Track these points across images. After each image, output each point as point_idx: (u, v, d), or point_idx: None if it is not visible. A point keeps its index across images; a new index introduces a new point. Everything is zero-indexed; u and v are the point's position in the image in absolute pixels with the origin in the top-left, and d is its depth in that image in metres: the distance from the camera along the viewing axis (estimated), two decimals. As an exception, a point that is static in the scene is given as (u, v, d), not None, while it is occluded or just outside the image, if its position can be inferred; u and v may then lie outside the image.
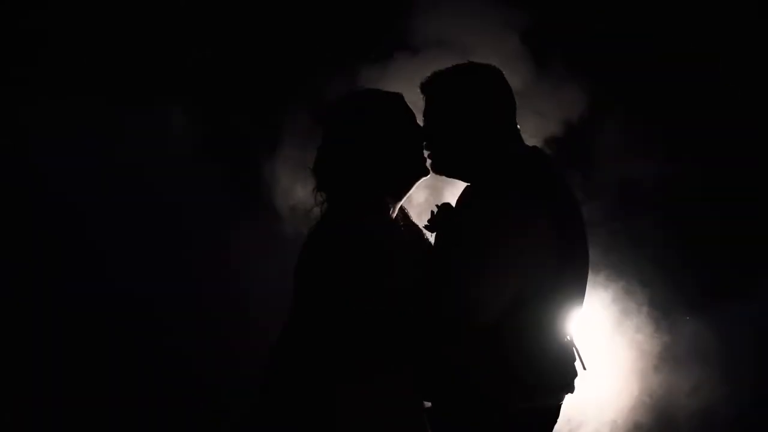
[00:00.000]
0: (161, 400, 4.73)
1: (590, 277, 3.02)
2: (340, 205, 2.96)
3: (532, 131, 3.12)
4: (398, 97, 3.05)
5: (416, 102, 3.05)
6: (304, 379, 2.89)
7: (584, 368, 2.98)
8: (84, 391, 4.66)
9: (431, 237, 3.11)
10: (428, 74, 3.01)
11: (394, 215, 3.05)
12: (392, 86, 3.12)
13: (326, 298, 2.87)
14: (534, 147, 3.04)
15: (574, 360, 2.97)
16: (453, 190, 3.45)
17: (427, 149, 3.02)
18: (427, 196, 4.35)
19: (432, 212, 3.05)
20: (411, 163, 3.02)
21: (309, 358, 2.89)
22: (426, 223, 3.06)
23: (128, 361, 4.75)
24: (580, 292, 2.96)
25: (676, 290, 4.80)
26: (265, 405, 2.96)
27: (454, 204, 3.08)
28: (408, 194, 3.06)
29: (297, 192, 4.71)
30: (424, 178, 3.07)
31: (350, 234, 2.87)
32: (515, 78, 3.06)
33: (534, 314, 2.85)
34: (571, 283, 2.92)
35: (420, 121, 3.04)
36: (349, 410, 2.86)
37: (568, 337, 2.94)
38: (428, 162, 3.04)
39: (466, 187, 3.05)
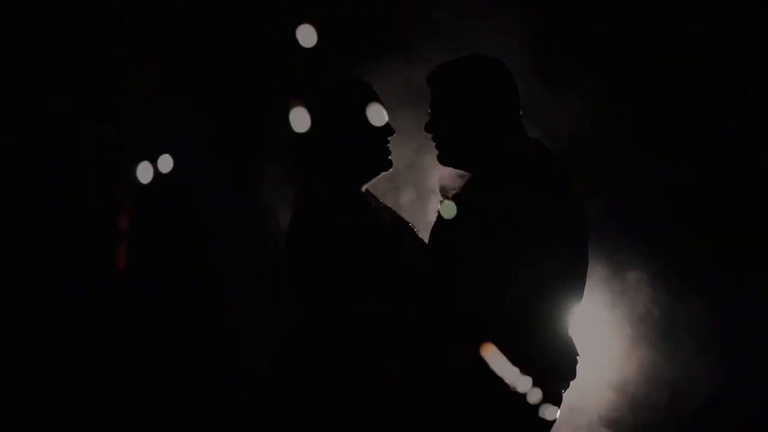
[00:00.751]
0: (161, 400, 4.74)
1: (589, 272, 3.06)
2: (318, 195, 2.97)
3: (529, 130, 3.14)
4: (366, 87, 3.06)
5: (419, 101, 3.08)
6: (305, 380, 2.90)
7: (578, 355, 3.03)
8: (85, 390, 4.68)
9: (413, 228, 3.15)
10: (432, 68, 3.05)
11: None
12: (389, 85, 3.13)
13: (327, 299, 2.87)
14: (537, 142, 3.06)
15: (574, 347, 3.02)
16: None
17: (433, 140, 3.06)
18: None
19: (441, 202, 3.07)
20: (373, 155, 3.04)
21: (310, 360, 2.90)
22: (437, 212, 3.08)
23: (127, 362, 4.75)
24: (581, 286, 3.00)
25: (674, 289, 4.83)
26: (266, 406, 2.96)
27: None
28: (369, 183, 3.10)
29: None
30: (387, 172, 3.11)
31: (347, 233, 2.88)
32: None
33: (540, 310, 2.89)
34: (573, 279, 2.96)
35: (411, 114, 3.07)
36: (349, 411, 2.87)
37: (569, 328, 2.99)
38: (436, 154, 3.08)
39: (470, 178, 3.07)
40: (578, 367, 3.03)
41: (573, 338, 3.02)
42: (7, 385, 4.61)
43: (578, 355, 3.01)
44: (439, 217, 3.08)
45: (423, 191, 4.41)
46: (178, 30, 4.88)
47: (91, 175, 4.75)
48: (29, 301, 4.67)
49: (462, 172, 3.13)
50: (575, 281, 2.98)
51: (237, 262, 4.88)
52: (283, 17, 4.71)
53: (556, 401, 3.03)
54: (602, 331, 4.75)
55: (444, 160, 3.09)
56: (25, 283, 4.67)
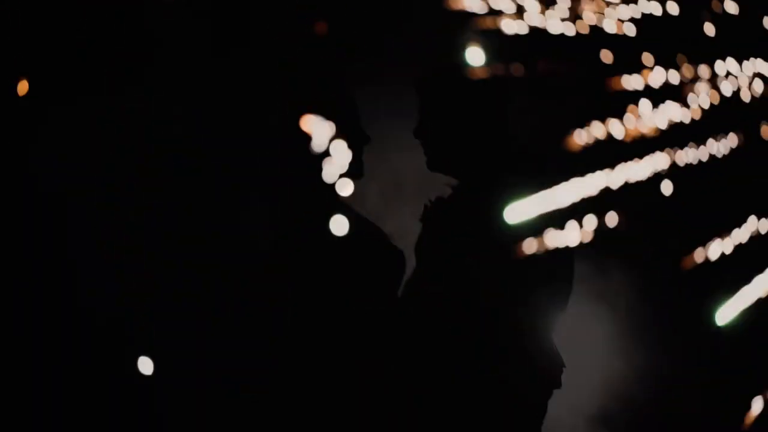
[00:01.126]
0: (161, 400, 4.75)
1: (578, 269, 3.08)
2: (306, 194, 2.98)
3: (524, 127, 3.14)
4: (343, 87, 3.07)
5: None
6: (305, 380, 2.90)
7: (564, 366, 3.04)
8: (85, 390, 4.69)
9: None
10: (421, 71, 3.05)
11: None
12: (387, 86, 3.13)
13: (326, 299, 2.88)
14: (534, 143, 3.08)
15: (560, 357, 3.03)
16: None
17: (422, 146, 3.07)
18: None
19: (425, 206, 3.09)
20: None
21: (311, 360, 2.90)
22: (420, 216, 3.09)
23: (127, 362, 4.76)
24: (569, 289, 3.02)
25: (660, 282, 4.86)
26: (266, 406, 2.97)
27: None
28: None
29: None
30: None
31: (343, 233, 2.88)
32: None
33: (533, 312, 2.90)
34: (564, 284, 2.97)
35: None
36: (349, 410, 2.88)
37: (554, 334, 3.01)
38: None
39: (458, 185, 3.07)
40: (566, 364, 3.04)
41: (558, 344, 3.03)
42: (7, 385, 4.62)
43: (564, 366, 3.02)
44: (427, 223, 3.08)
45: (401, 194, 4.42)
46: (178, 30, 4.89)
47: (92, 175, 4.76)
48: (29, 300, 4.68)
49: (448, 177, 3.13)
50: (566, 287, 3.00)
51: (237, 261, 4.88)
52: (283, 16, 4.72)
53: (541, 410, 3.04)
54: (587, 327, 4.77)
55: (433, 165, 3.10)
56: (25, 282, 4.68)
